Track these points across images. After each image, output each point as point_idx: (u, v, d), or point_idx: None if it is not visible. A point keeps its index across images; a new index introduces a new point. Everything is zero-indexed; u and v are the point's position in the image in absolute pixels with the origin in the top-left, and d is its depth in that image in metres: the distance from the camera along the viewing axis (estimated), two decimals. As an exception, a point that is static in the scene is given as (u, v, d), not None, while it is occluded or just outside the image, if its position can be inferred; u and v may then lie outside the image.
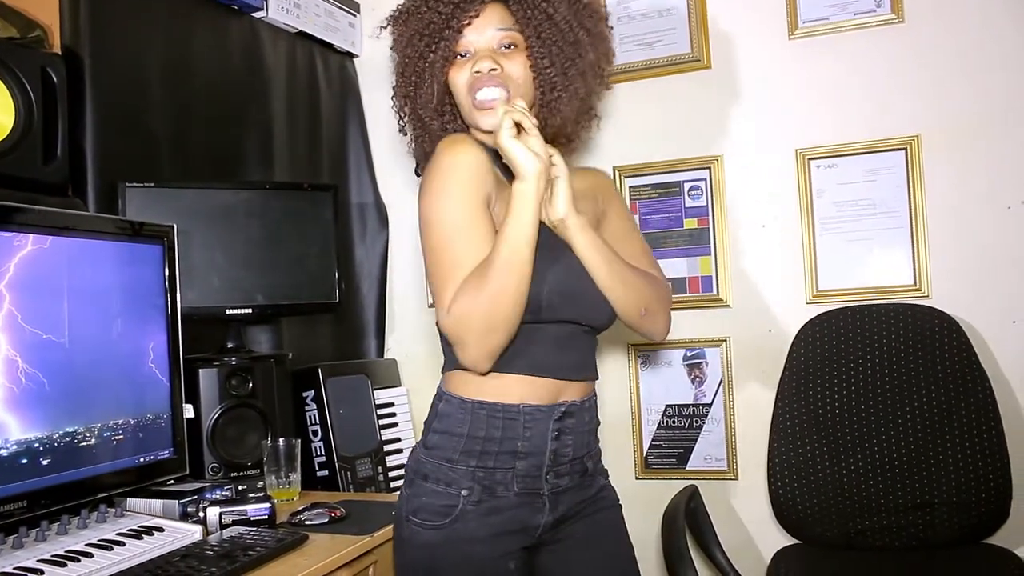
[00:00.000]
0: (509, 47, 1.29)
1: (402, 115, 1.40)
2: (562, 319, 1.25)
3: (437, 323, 1.22)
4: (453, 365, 1.25)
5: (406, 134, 1.43)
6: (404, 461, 2.38)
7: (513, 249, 1.15)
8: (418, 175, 1.35)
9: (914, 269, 2.10)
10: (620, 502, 1.39)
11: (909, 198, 2.10)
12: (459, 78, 1.29)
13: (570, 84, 1.31)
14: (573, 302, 1.25)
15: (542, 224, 1.24)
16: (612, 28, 1.41)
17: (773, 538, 2.14)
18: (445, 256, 1.19)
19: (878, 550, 1.96)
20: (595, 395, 1.34)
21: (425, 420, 1.30)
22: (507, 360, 1.20)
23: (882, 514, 1.97)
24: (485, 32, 1.28)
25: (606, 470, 1.39)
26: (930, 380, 1.99)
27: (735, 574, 1.98)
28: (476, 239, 1.18)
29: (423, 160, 1.40)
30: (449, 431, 1.24)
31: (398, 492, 1.31)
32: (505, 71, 1.27)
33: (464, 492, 1.22)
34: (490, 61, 1.26)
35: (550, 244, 1.25)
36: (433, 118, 1.35)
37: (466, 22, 1.27)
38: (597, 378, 1.35)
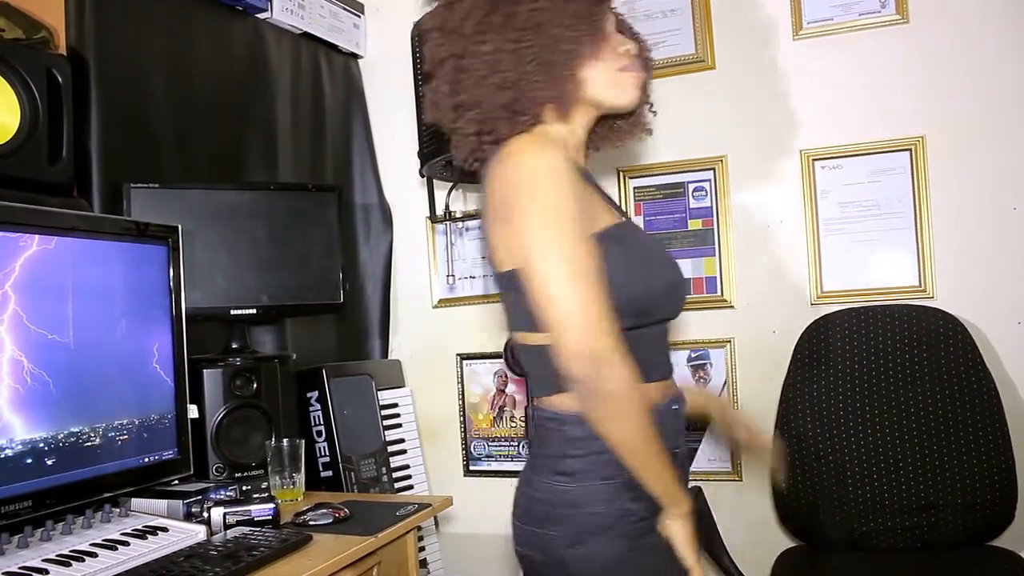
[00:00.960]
0: None
1: (502, 70, 1.11)
2: (664, 318, 1.21)
3: (551, 319, 1.04)
4: (560, 387, 1.12)
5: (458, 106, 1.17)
6: (407, 461, 2.40)
7: (658, 477, 1.13)
8: (423, 175, 1.27)
9: (919, 270, 2.10)
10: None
11: (914, 199, 2.10)
12: (610, 52, 1.18)
13: (647, 99, 1.31)
14: (673, 297, 1.21)
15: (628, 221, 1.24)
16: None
17: (777, 539, 2.13)
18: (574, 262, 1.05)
19: (882, 552, 1.95)
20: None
21: (543, 453, 1.17)
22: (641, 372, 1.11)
23: (886, 516, 1.96)
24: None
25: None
26: (935, 381, 1.98)
27: (739, 575, 1.97)
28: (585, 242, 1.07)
29: (468, 153, 1.20)
30: (592, 452, 1.12)
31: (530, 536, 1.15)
32: None
33: (630, 506, 1.13)
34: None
35: (642, 241, 1.23)
36: (586, 72, 1.15)
37: (611, 2, 1.23)
38: None
